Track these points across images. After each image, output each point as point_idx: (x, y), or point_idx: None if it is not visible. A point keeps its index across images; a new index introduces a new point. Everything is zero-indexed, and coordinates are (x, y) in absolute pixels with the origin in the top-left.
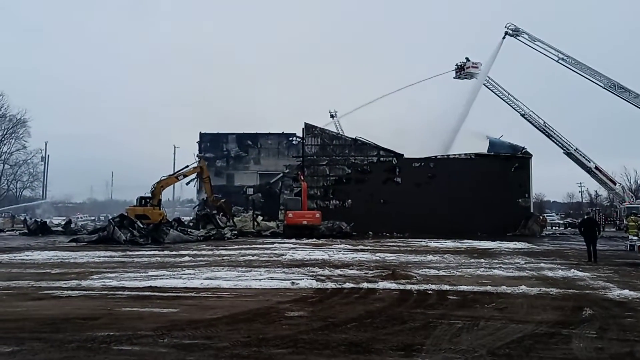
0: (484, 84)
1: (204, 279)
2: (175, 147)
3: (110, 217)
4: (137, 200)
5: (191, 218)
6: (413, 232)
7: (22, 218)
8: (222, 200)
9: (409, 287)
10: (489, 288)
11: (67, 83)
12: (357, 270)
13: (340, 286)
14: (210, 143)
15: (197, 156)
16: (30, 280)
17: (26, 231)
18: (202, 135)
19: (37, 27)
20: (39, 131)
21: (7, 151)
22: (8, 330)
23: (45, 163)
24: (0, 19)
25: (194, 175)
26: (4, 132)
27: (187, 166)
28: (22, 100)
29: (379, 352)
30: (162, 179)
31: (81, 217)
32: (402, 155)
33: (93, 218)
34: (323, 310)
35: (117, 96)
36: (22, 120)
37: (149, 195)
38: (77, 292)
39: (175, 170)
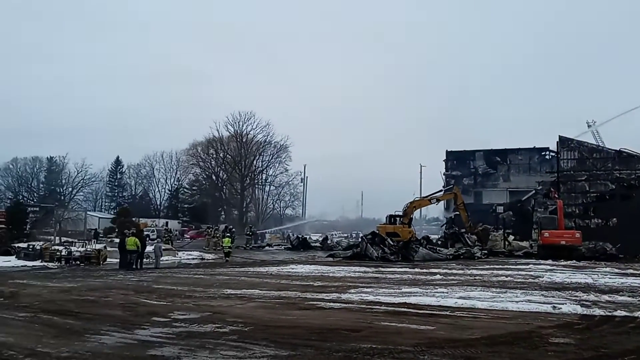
0: None
1: (458, 298)
2: (421, 166)
3: (361, 235)
4: (386, 218)
5: (439, 236)
6: None
7: (286, 234)
8: (481, 228)
9: None
10: None
11: (322, 108)
12: (629, 297)
13: (609, 314)
14: (456, 161)
15: (444, 176)
16: (297, 292)
17: (289, 246)
18: (448, 153)
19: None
20: (298, 155)
21: (273, 174)
22: (283, 336)
23: (304, 184)
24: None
25: (441, 193)
26: (270, 157)
27: (441, 190)
28: (286, 128)
29: None
30: (416, 199)
31: (335, 234)
32: None
33: (346, 235)
34: (592, 338)
35: (369, 119)
36: (285, 146)
37: (399, 213)
38: (338, 304)
39: (430, 193)
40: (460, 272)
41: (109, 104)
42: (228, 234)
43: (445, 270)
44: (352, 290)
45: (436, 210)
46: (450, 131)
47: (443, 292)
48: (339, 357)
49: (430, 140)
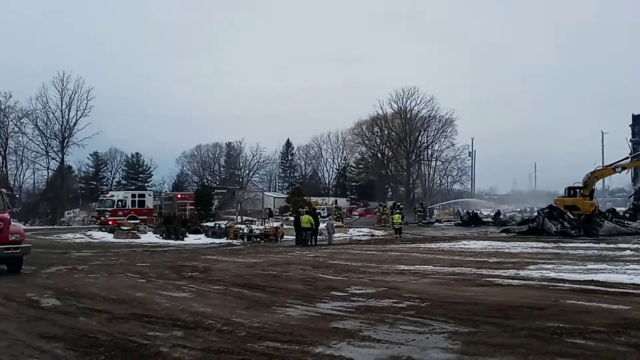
0: None
1: None
2: (603, 133)
3: (537, 209)
4: (565, 190)
5: (626, 209)
6: None
7: (456, 210)
8: (630, 196)
9: None
10: None
11: (488, 76)
12: None
13: None
14: None
15: (631, 143)
16: (472, 268)
17: (460, 222)
18: (635, 117)
19: None
20: (465, 129)
21: (438, 149)
22: (461, 312)
23: (472, 158)
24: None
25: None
26: (435, 132)
27: (627, 158)
28: (451, 102)
29: None
30: (597, 169)
31: (507, 209)
32: None
33: (519, 209)
34: None
35: (541, 86)
36: (450, 120)
37: (579, 185)
38: (517, 281)
39: (614, 162)
40: None
41: (277, 91)
42: (398, 211)
43: (636, 246)
44: (531, 267)
45: (620, 181)
46: (636, 93)
47: (636, 269)
48: (524, 335)
49: (612, 104)
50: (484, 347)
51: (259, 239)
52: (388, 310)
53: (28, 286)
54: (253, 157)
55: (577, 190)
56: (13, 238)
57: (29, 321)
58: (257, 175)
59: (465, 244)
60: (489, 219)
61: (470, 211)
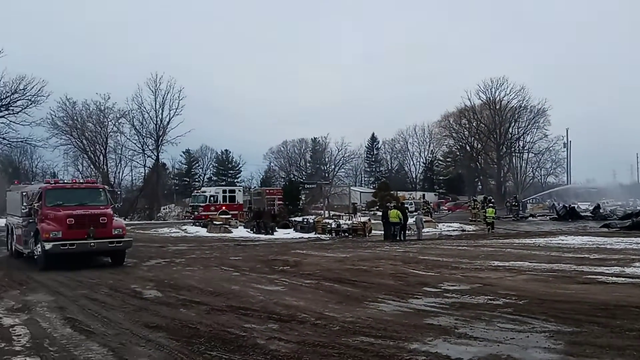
0: None
1: None
2: None
3: (639, 202)
4: None
5: None
6: None
7: (551, 204)
8: None
9: None
10: None
11: (583, 66)
12: None
13: None
14: None
15: None
16: (571, 264)
17: (555, 216)
18: None
19: None
20: (559, 119)
21: (530, 140)
22: (563, 311)
23: (567, 149)
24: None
25: None
26: (527, 123)
27: None
28: (543, 92)
29: None
30: None
31: (607, 202)
32: None
33: (620, 203)
34: None
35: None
36: (543, 110)
37: None
38: (622, 278)
39: None
40: None
41: (358, 84)
42: (491, 205)
43: None
44: (637, 264)
45: None
46: None
47: None
48: (634, 337)
49: None
50: (590, 348)
51: (347, 234)
52: (484, 307)
53: (131, 278)
54: (338, 152)
55: None
56: (116, 232)
57: (134, 311)
58: (342, 170)
59: (562, 240)
60: (588, 213)
61: (567, 205)
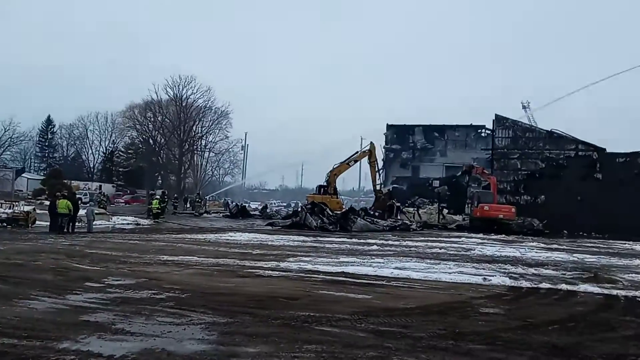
0: None
1: (394, 268)
2: (362, 139)
3: (301, 204)
4: (316, 188)
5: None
6: (615, 233)
7: (225, 202)
8: (386, 195)
9: (614, 292)
10: None
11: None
12: (553, 270)
13: (535, 286)
14: (396, 135)
15: (384, 150)
16: (235, 259)
17: (228, 214)
18: (388, 126)
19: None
20: (240, 123)
21: (212, 140)
22: (221, 303)
23: (244, 152)
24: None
25: (381, 165)
26: (210, 123)
27: (357, 152)
28: (226, 95)
29: (587, 359)
30: (335, 166)
31: (274, 203)
32: (604, 149)
33: (285, 204)
34: (520, 309)
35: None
36: (226, 112)
37: (325, 183)
38: (277, 272)
39: (347, 157)
40: (396, 243)
41: (40, 61)
42: (157, 196)
43: (382, 241)
44: (291, 259)
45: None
46: (392, 103)
47: (380, 263)
48: (277, 325)
49: (373, 112)
50: (240, 337)
51: (5, 224)
52: (146, 301)
53: None
54: (5, 131)
55: (326, 188)
56: None
57: None
58: (8, 152)
59: (231, 236)
60: (257, 212)
61: (239, 204)
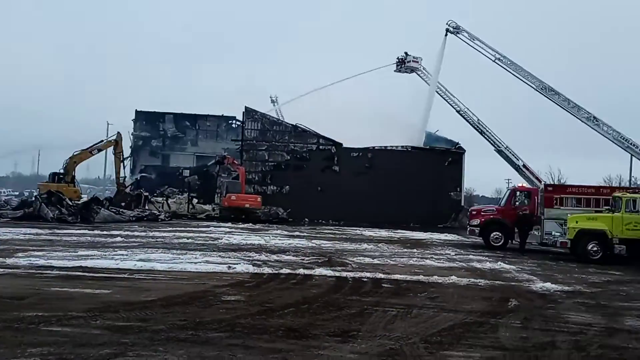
0: (421, 77)
1: (138, 260)
2: (108, 124)
3: (36, 193)
4: (49, 176)
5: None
6: (348, 220)
7: None
8: (128, 186)
9: (344, 274)
10: (421, 277)
11: None
12: (294, 256)
13: (276, 272)
14: (146, 122)
15: (132, 137)
16: None
17: None
18: (137, 113)
19: None
20: None
21: None
22: None
23: None
24: None
25: (128, 153)
26: None
27: (102, 140)
28: None
29: (316, 338)
30: (75, 153)
31: (4, 192)
32: (341, 144)
33: (17, 193)
34: (260, 295)
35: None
36: None
37: (62, 171)
38: (1, 269)
39: (91, 145)
40: (143, 234)
41: None
42: None
43: (127, 233)
44: (20, 254)
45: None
46: (140, 91)
47: (123, 255)
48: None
49: (118, 98)
50: None
51: None
52: None
53: None
54: None
55: (61, 176)
56: None
57: None
58: None
59: None
60: None
61: None
